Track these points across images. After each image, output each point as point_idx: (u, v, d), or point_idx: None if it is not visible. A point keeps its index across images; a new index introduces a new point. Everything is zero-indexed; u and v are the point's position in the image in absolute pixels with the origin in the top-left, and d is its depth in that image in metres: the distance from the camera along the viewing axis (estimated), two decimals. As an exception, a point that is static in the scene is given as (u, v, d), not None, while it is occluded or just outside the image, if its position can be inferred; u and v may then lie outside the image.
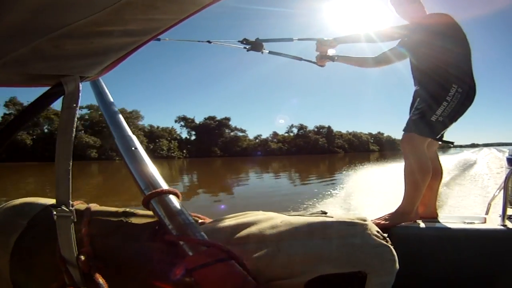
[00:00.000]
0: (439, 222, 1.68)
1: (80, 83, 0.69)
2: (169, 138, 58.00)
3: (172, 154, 54.36)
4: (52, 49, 0.59)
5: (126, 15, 0.56)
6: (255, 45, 1.94)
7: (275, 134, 76.39)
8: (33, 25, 0.53)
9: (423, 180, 1.69)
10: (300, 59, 2.07)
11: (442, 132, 1.76)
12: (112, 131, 0.80)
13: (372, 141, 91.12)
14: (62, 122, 0.66)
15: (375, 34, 1.83)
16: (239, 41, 1.95)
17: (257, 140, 71.79)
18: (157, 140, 54.21)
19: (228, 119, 68.83)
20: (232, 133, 68.60)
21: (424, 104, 1.73)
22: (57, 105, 0.70)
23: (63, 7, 0.51)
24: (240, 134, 69.87)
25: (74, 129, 0.66)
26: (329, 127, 79.78)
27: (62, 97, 0.68)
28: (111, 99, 0.86)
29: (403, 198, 1.72)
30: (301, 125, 78.95)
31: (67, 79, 0.67)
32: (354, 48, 2.01)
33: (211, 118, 67.85)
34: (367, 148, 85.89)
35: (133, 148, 0.77)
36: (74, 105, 0.67)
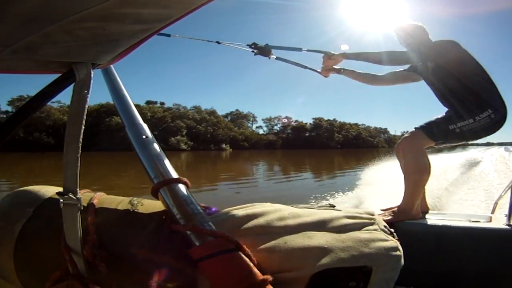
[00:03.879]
0: (444, 219, 1.67)
1: (91, 70, 0.68)
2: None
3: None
4: (64, 35, 0.59)
5: (139, 2, 0.55)
6: (263, 50, 1.99)
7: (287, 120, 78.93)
8: (45, 11, 0.52)
9: (423, 179, 1.73)
10: (305, 67, 2.13)
11: (450, 143, 1.80)
12: (123, 119, 0.79)
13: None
14: (72, 109, 0.65)
15: (384, 56, 1.84)
16: (248, 45, 1.99)
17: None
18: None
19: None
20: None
21: (451, 113, 1.75)
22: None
23: None
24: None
25: (85, 116, 0.65)
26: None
27: (73, 84, 0.67)
28: (123, 87, 0.85)
29: (404, 196, 1.75)
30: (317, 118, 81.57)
31: (79, 66, 0.67)
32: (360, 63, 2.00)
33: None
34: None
35: (143, 137, 0.76)
36: (86, 91, 0.67)
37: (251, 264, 0.60)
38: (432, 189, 6.57)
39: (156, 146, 0.75)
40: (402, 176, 1.78)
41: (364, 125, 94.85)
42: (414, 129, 1.80)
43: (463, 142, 1.84)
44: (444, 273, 1.47)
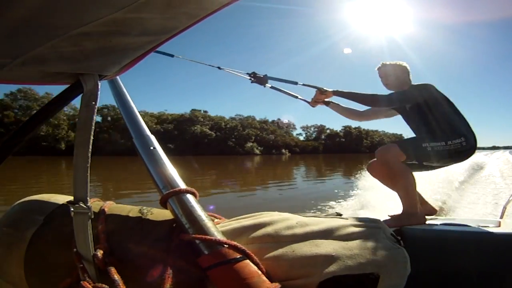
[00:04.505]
0: (452, 224, 1.65)
1: (99, 82, 0.69)
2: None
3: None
4: (71, 47, 0.60)
5: (144, 14, 0.56)
6: (260, 80, 2.16)
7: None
8: (52, 23, 0.53)
9: (410, 180, 1.85)
10: (296, 97, 2.29)
11: (419, 161, 1.93)
12: (130, 130, 0.80)
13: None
14: (81, 119, 0.67)
15: (369, 99, 2.03)
16: (247, 73, 2.17)
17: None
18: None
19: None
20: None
21: (426, 134, 1.93)
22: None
23: (82, 6, 0.51)
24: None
25: (93, 127, 0.66)
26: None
27: (81, 95, 0.69)
28: (129, 98, 0.87)
29: (402, 203, 1.86)
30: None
31: (86, 77, 0.68)
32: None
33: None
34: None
35: (151, 148, 0.77)
36: (93, 103, 0.68)
37: (260, 272, 0.61)
38: (439, 193, 6.53)
39: (163, 156, 0.76)
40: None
41: (384, 131, 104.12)
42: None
43: (433, 164, 1.98)
44: (453, 279, 1.44)
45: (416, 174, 1.90)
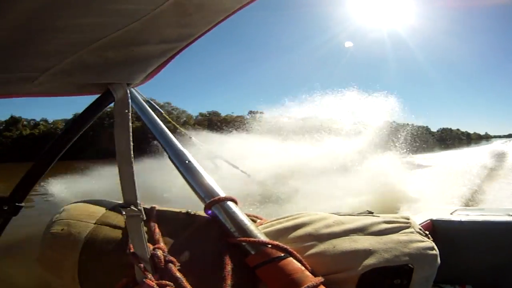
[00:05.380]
0: (482, 215, 1.60)
1: (128, 90, 0.72)
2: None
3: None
4: (95, 58, 0.63)
5: (161, 23, 0.60)
6: None
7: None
8: (76, 37, 0.57)
9: None
10: None
11: None
12: (165, 148, 0.86)
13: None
14: (117, 127, 0.69)
15: None
16: None
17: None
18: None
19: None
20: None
21: None
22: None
23: (102, 20, 0.55)
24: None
25: (131, 133, 0.69)
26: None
27: (113, 103, 0.72)
28: (153, 113, 0.91)
29: None
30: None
31: (115, 86, 0.71)
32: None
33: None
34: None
35: (186, 162, 0.82)
36: (126, 110, 0.71)
37: (303, 268, 0.66)
38: (467, 184, 6.32)
39: (199, 168, 0.81)
40: None
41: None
42: None
43: None
44: (484, 269, 1.41)
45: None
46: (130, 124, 0.70)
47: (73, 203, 0.81)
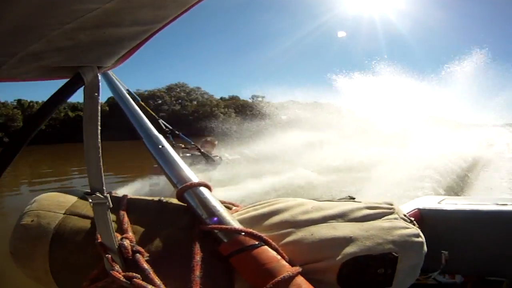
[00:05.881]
0: (469, 204, 1.61)
1: (98, 74, 0.70)
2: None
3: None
4: (66, 41, 0.61)
5: (134, 4, 0.58)
6: None
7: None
8: (45, 19, 0.55)
9: None
10: None
11: None
12: (139, 132, 0.86)
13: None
14: (86, 112, 0.68)
15: None
16: None
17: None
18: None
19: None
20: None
21: None
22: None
23: (73, 2, 0.52)
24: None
25: (99, 117, 0.68)
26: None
27: (82, 88, 0.69)
28: (128, 97, 0.91)
29: None
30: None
31: (85, 70, 0.69)
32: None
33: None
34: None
35: (160, 147, 0.82)
36: (96, 94, 0.69)
37: (279, 257, 0.63)
38: (454, 172, 6.44)
39: (173, 153, 0.81)
40: None
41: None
42: None
43: None
44: (473, 259, 1.43)
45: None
46: (99, 108, 0.68)
47: (44, 194, 0.80)
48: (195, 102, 53.65)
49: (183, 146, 6.05)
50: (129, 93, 0.94)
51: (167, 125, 5.52)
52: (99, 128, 0.67)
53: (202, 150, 5.99)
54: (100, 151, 0.66)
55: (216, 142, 6.38)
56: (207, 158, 6.00)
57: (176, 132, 5.87)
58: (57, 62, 0.66)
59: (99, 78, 0.70)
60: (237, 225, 0.67)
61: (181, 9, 0.63)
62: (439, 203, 1.67)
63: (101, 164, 0.66)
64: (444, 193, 5.38)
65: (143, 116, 0.88)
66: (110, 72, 0.88)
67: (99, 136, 0.67)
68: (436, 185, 5.67)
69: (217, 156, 6.28)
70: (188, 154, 5.90)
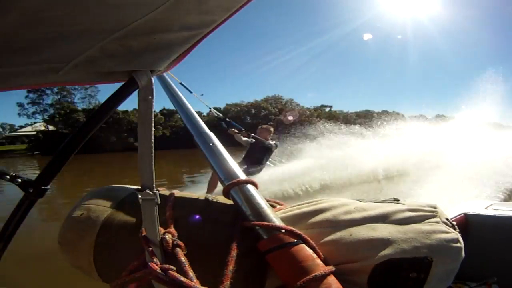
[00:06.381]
0: None
1: (151, 77, 0.74)
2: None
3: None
4: (117, 47, 0.65)
5: (181, 11, 0.61)
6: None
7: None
8: (98, 27, 0.59)
9: None
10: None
11: None
12: (190, 130, 0.89)
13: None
14: (140, 113, 0.72)
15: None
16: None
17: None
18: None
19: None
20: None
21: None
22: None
23: (123, 9, 0.56)
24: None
25: (153, 119, 0.72)
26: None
27: (137, 90, 0.74)
28: (182, 97, 0.96)
29: None
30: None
31: (139, 74, 0.73)
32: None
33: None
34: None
35: (210, 144, 0.84)
36: (150, 97, 0.73)
37: (315, 256, 0.64)
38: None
39: (223, 151, 0.83)
40: None
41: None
42: None
43: None
44: (509, 267, 1.33)
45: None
46: (153, 110, 0.72)
47: (96, 188, 0.86)
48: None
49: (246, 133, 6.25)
50: (183, 86, 0.98)
51: (220, 114, 6.30)
52: (153, 129, 0.71)
53: (258, 137, 6.12)
54: (153, 151, 0.71)
55: (272, 129, 6.41)
56: (263, 143, 6.10)
57: (227, 120, 6.39)
58: (111, 67, 0.71)
59: (152, 81, 0.74)
60: (278, 222, 0.68)
61: (227, 13, 0.65)
62: (486, 208, 1.59)
63: (153, 163, 0.70)
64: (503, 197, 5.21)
65: (196, 115, 0.92)
66: (165, 74, 0.92)
67: (153, 137, 0.71)
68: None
69: (273, 141, 6.34)
70: (252, 141, 6.09)
